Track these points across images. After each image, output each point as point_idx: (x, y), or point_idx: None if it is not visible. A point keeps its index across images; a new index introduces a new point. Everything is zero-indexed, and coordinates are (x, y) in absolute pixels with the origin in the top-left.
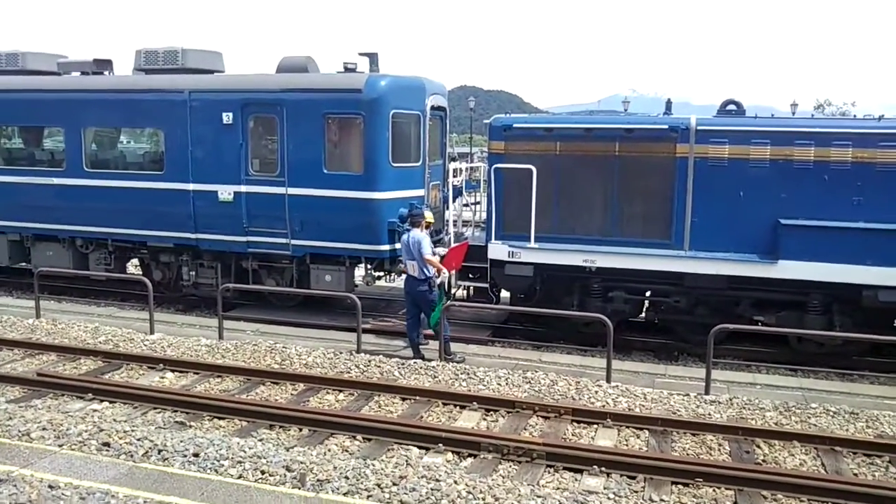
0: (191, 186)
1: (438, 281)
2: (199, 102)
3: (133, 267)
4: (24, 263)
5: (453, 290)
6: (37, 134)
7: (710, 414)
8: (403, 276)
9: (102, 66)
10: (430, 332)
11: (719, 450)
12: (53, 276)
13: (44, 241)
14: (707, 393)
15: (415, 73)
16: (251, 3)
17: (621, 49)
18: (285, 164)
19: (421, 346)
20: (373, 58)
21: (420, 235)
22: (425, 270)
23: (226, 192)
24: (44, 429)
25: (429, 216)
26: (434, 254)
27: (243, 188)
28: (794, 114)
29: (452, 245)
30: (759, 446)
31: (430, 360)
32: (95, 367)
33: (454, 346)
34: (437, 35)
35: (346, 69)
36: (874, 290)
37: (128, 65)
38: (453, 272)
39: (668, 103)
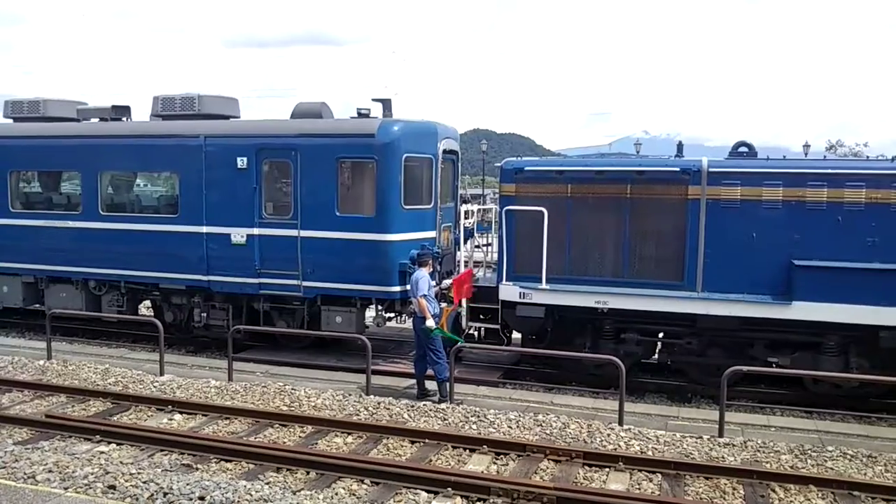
0: (204, 229)
1: (426, 325)
2: (214, 147)
3: (145, 309)
4: (37, 305)
5: (464, 331)
6: (55, 178)
7: (723, 457)
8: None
9: (120, 112)
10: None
11: (733, 494)
12: (66, 317)
13: (57, 283)
14: (721, 435)
15: (428, 117)
16: (268, 50)
17: (633, 90)
18: (298, 207)
19: (427, 382)
20: (386, 103)
21: (420, 275)
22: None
23: (239, 234)
24: (50, 471)
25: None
26: (432, 287)
27: (256, 231)
28: (806, 155)
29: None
30: (774, 490)
31: (440, 403)
32: (104, 409)
33: (433, 386)
34: (450, 80)
35: (360, 114)
36: (891, 331)
37: (146, 111)
38: (463, 308)
39: (680, 146)
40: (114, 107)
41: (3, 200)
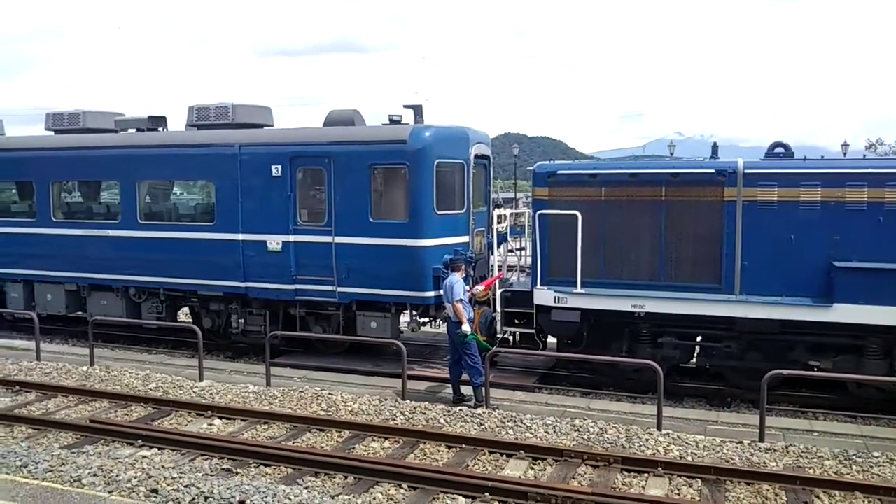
0: (240, 237)
1: (461, 329)
2: (248, 155)
3: (184, 315)
4: (79, 312)
5: (498, 336)
6: (94, 188)
7: (765, 462)
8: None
9: (157, 122)
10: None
11: (776, 500)
12: (107, 324)
13: (99, 291)
14: (761, 440)
15: (459, 122)
16: (297, 59)
17: (666, 91)
18: (332, 213)
19: (462, 387)
20: (417, 109)
21: (454, 280)
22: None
23: (274, 241)
24: (94, 475)
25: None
26: (467, 291)
27: (291, 238)
28: (845, 154)
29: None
30: (818, 497)
31: (475, 408)
32: (146, 414)
33: (468, 391)
34: (481, 85)
35: (392, 121)
36: None
37: (181, 121)
38: (498, 313)
39: (715, 147)
40: (150, 117)
41: (46, 210)
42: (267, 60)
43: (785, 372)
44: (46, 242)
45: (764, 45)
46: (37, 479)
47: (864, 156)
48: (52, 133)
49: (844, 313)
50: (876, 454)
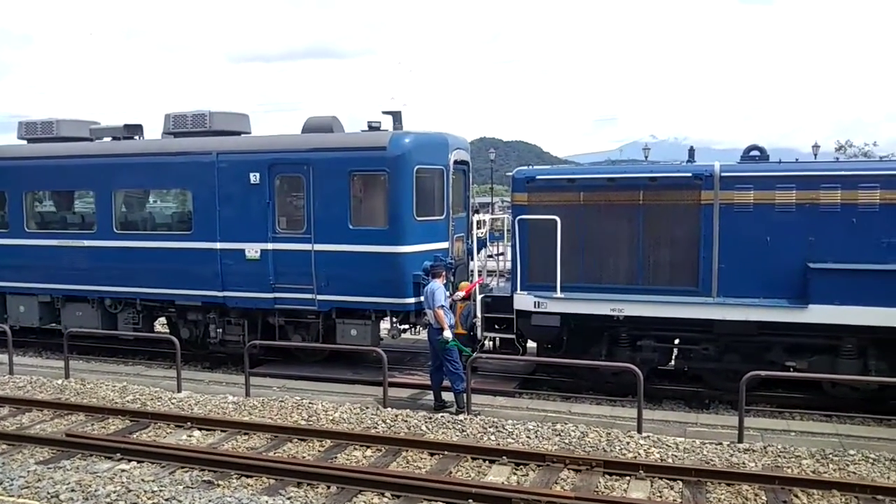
0: (218, 245)
1: (442, 336)
2: (226, 163)
3: (160, 325)
4: (54, 324)
5: (479, 342)
6: (68, 198)
7: (744, 463)
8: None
9: (133, 130)
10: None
11: (755, 500)
12: (82, 336)
13: (74, 302)
14: (740, 441)
15: (436, 127)
16: (272, 65)
17: (639, 94)
18: (312, 221)
19: (443, 394)
20: (396, 116)
21: (435, 286)
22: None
23: (253, 250)
24: (72, 490)
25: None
26: (448, 297)
27: (270, 246)
28: (816, 156)
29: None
30: (796, 496)
31: (457, 414)
32: (123, 427)
33: (450, 397)
34: (456, 89)
35: (371, 127)
36: None
37: (158, 129)
38: (478, 318)
39: (691, 151)
40: (126, 125)
41: (19, 221)
42: (241, 66)
43: (763, 373)
44: (19, 253)
45: (736, 48)
46: (12, 496)
47: (837, 158)
48: (24, 142)
49: (820, 314)
50: (852, 452)
